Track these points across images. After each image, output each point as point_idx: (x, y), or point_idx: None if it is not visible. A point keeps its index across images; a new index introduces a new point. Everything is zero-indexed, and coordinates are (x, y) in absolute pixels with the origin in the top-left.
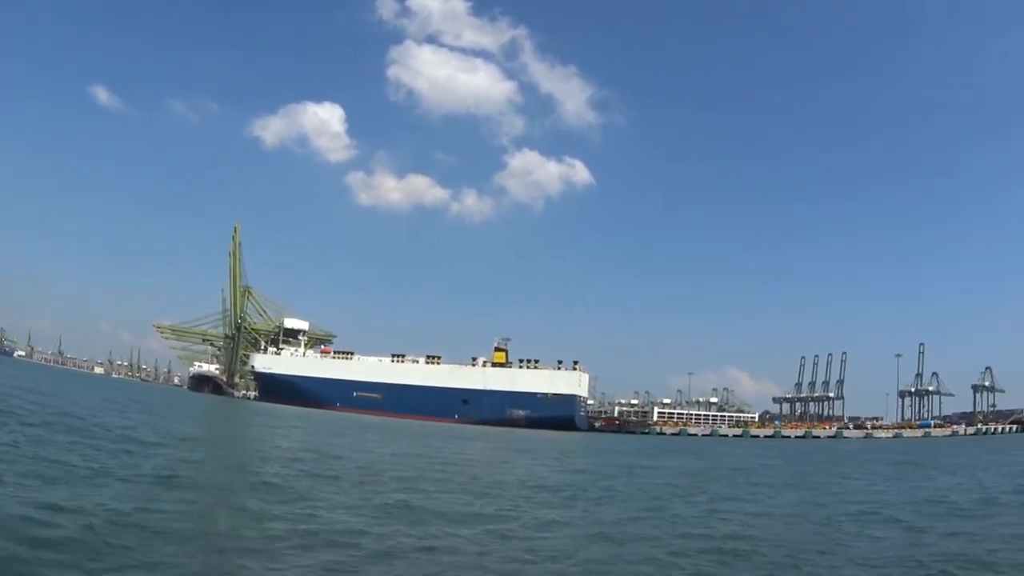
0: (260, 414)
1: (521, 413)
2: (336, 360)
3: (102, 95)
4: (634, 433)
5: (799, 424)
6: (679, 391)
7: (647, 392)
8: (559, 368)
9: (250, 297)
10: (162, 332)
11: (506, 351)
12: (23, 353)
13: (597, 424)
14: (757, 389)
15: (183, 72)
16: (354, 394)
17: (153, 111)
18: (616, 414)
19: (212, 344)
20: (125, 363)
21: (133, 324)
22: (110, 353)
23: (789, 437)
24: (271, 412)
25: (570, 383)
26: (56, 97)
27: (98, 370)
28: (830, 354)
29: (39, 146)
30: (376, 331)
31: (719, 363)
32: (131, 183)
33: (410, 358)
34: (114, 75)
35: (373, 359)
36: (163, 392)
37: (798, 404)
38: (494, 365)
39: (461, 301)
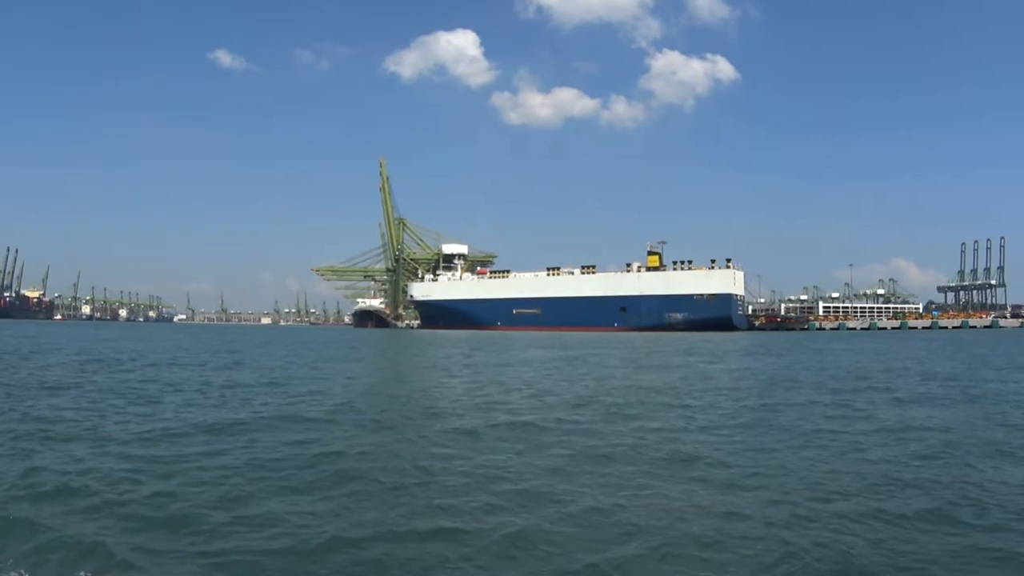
0: (417, 344)
1: (679, 316)
2: (493, 280)
3: (224, 58)
4: (793, 330)
5: (956, 314)
6: (846, 284)
7: (815, 287)
8: (712, 267)
9: (405, 228)
10: (322, 274)
11: (660, 254)
12: (183, 316)
13: (757, 323)
14: (923, 279)
15: (303, 22)
16: (513, 312)
17: (279, 65)
18: (783, 311)
19: (374, 279)
20: (292, 310)
21: (297, 271)
22: (275, 302)
23: (946, 328)
24: (430, 340)
25: (724, 282)
26: (180, 66)
27: (265, 320)
28: (989, 240)
29: (172, 117)
30: (532, 247)
31: (886, 255)
32: (269, 137)
33: (565, 270)
34: (234, 37)
35: (528, 275)
36: (323, 333)
37: (961, 293)
38: (648, 269)
39: (615, 210)
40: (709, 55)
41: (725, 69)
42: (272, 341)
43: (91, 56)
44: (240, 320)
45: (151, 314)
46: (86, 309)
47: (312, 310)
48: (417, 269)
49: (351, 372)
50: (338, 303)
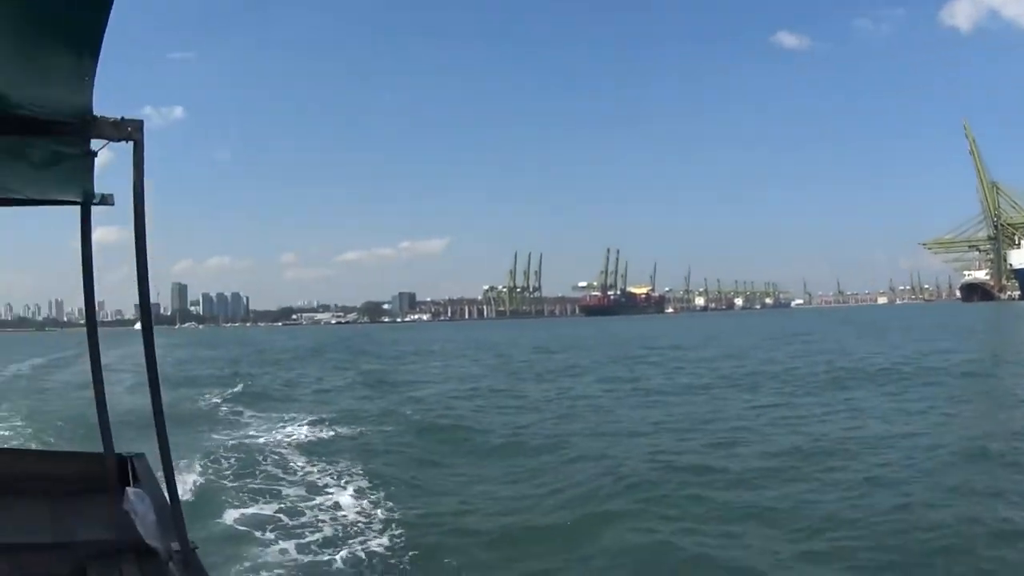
0: None
1: None
2: None
3: (788, 40)
4: None
5: None
6: None
7: None
8: None
9: (999, 192)
10: (930, 248)
11: None
12: (800, 301)
13: None
14: None
15: None
16: None
17: (838, 38)
18: None
19: (978, 249)
20: (906, 287)
21: (904, 248)
22: (890, 280)
23: None
24: None
25: None
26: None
27: (881, 300)
28: None
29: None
30: None
31: None
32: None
33: None
34: (793, 15)
35: None
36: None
37: None
38: None
39: None
40: None
41: None
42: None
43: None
44: (856, 301)
45: (768, 301)
46: (699, 300)
47: (926, 286)
48: (1015, 235)
49: None
50: (949, 277)
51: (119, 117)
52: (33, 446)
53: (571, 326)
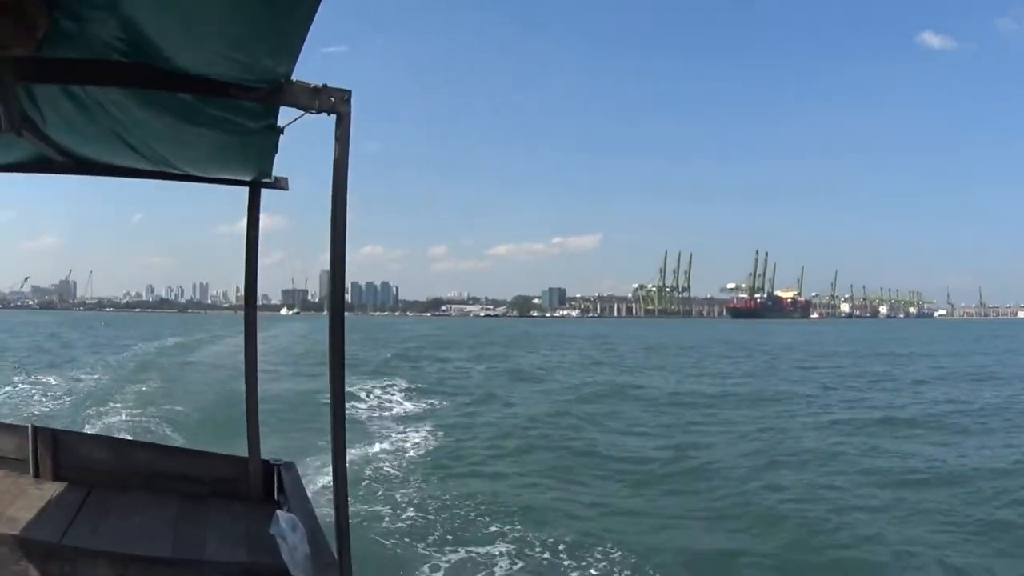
0: None
1: None
2: None
3: (932, 40)
4: None
5: None
6: None
7: None
8: None
9: None
10: None
11: None
12: (943, 312)
13: None
14: None
15: None
16: None
17: (984, 39)
18: None
19: None
20: None
21: None
22: None
23: None
24: None
25: None
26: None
27: (1021, 314)
28: None
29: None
30: None
31: None
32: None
33: None
34: (936, 14)
35: None
36: None
37: None
38: None
39: None
40: None
41: None
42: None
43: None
44: (997, 314)
45: (911, 310)
46: (844, 307)
47: None
48: None
49: None
50: None
51: (320, 84)
52: (176, 438)
53: (744, 329)
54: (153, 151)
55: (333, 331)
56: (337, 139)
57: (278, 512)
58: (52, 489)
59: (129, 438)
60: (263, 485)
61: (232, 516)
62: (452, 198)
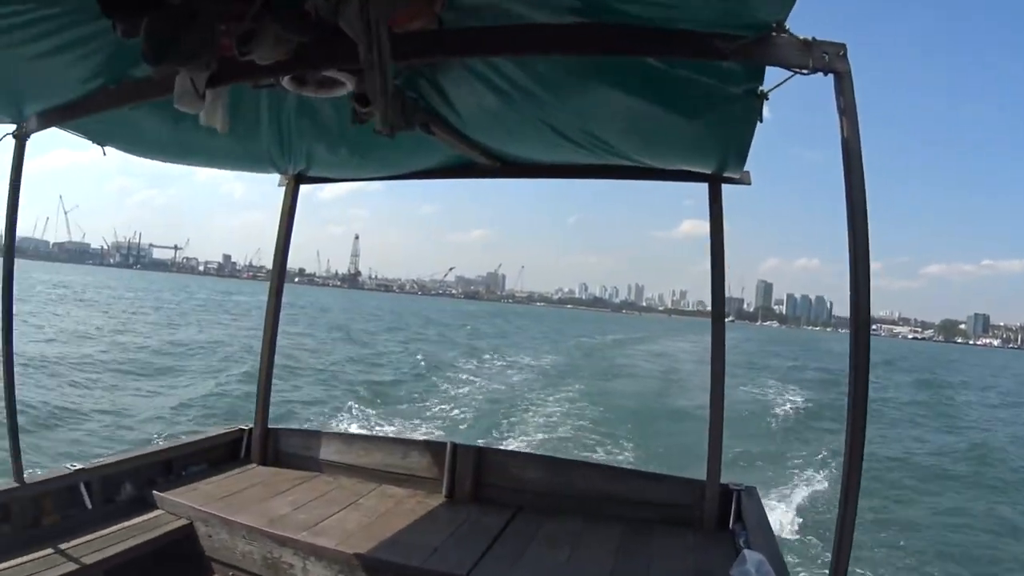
0: None
1: None
2: None
3: None
4: None
5: None
6: None
7: None
8: None
9: None
10: None
11: None
12: None
13: None
14: None
15: None
16: None
17: None
18: None
19: None
20: None
21: None
22: None
23: None
24: None
25: None
26: None
27: None
28: None
29: None
30: None
31: None
32: None
33: None
34: None
35: None
36: None
37: None
38: None
39: None
40: None
41: None
42: None
43: None
44: None
45: None
46: None
47: None
48: None
49: None
50: None
51: (810, 37)
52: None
53: None
54: (596, 140)
55: (856, 347)
56: (840, 108)
57: (745, 551)
58: (467, 513)
59: (559, 456)
60: (719, 512)
61: (683, 547)
62: (908, 210)
